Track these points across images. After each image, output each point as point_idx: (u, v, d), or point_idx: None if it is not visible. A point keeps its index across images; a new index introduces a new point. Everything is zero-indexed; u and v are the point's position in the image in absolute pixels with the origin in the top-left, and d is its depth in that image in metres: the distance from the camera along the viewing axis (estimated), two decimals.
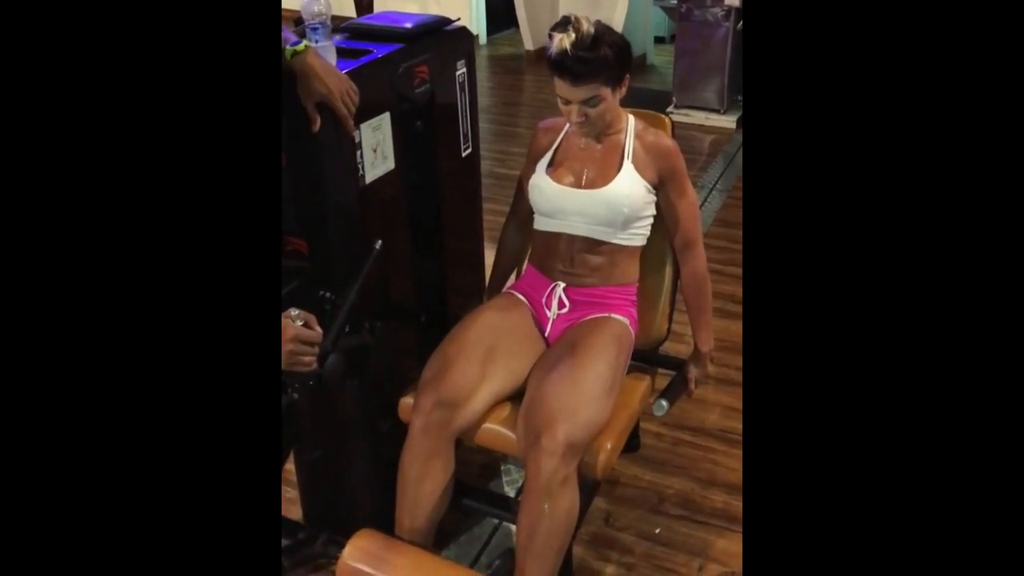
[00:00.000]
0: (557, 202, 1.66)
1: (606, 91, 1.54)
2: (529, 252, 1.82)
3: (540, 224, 1.72)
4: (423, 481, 1.54)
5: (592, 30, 1.50)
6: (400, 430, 1.60)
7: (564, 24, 1.51)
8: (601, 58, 1.49)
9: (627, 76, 1.58)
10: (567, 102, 1.56)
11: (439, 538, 1.89)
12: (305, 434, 1.44)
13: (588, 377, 1.52)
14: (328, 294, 1.45)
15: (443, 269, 1.91)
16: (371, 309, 1.55)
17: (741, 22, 4.43)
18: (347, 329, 1.45)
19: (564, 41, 1.49)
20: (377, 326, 1.54)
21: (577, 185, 1.65)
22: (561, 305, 1.69)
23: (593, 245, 1.67)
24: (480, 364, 1.57)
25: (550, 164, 1.70)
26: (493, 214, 2.11)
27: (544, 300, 1.71)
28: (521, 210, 1.81)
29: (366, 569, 1.46)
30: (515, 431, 1.54)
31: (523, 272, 1.83)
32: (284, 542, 1.67)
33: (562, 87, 1.54)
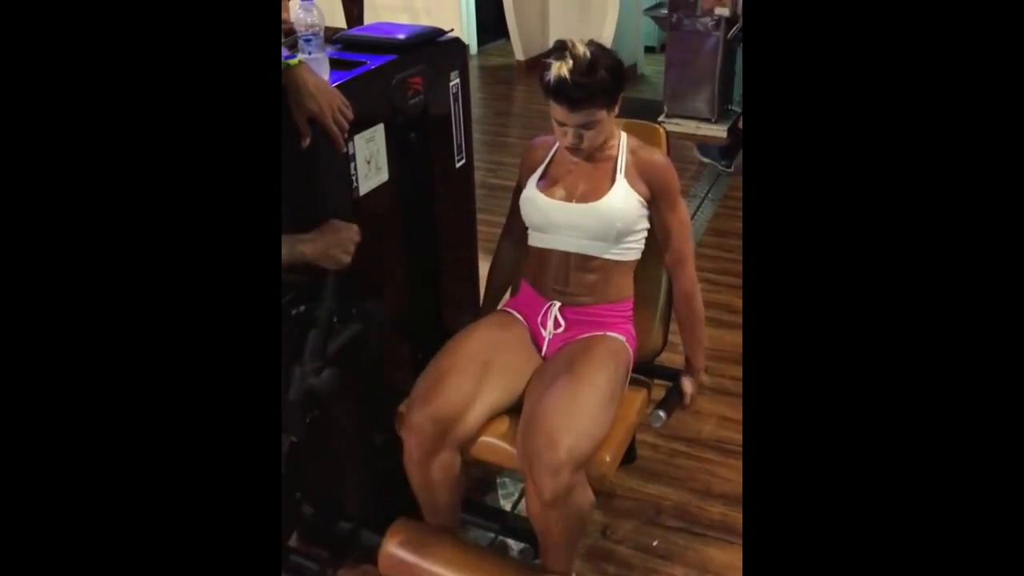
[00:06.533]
0: (549, 216, 1.65)
1: (602, 114, 1.53)
2: (524, 266, 1.80)
3: (533, 240, 1.72)
4: (431, 487, 1.59)
5: (588, 54, 1.48)
6: (394, 443, 1.59)
7: (560, 50, 1.50)
8: (598, 82, 1.48)
9: (621, 96, 1.57)
10: (562, 124, 1.55)
11: None
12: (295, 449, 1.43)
13: (587, 391, 1.51)
14: (302, 307, 1.39)
15: (437, 280, 1.90)
16: (357, 294, 1.49)
17: (731, 31, 4.45)
18: (335, 320, 1.41)
19: (562, 68, 1.47)
20: (366, 309, 1.48)
21: (569, 199, 1.64)
22: (557, 324, 1.68)
23: (586, 262, 1.65)
24: (475, 379, 1.56)
25: (541, 178, 1.70)
26: (486, 224, 2.10)
27: (540, 319, 1.70)
28: (516, 227, 1.79)
29: (409, 557, 1.57)
30: (514, 444, 1.53)
31: (518, 289, 1.82)
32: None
33: (559, 112, 1.53)
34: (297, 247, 1.35)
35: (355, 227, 1.43)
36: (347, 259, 1.40)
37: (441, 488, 1.59)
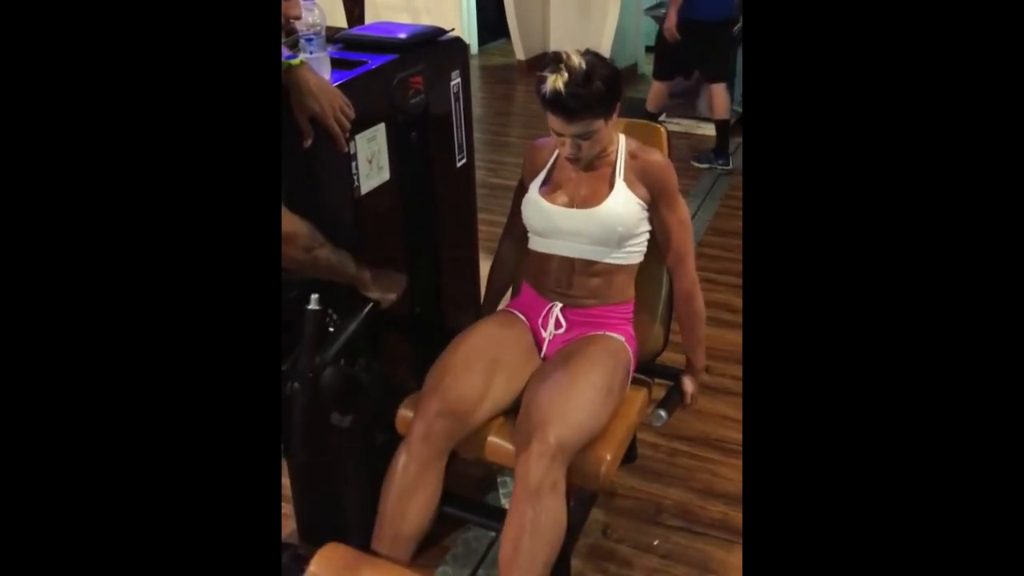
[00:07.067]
0: (550, 221, 1.65)
1: (599, 123, 1.52)
2: (524, 267, 1.80)
3: (535, 244, 1.72)
4: (414, 492, 1.49)
5: (583, 65, 1.47)
6: (394, 442, 1.58)
7: (555, 62, 1.49)
8: (594, 93, 1.47)
9: (618, 104, 1.56)
10: (560, 135, 1.55)
11: (436, 552, 1.88)
12: (296, 432, 1.42)
13: (580, 383, 1.51)
14: (333, 313, 1.44)
15: (438, 279, 1.90)
16: (368, 337, 1.53)
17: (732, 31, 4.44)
18: (342, 362, 1.44)
19: (558, 81, 1.46)
20: (373, 366, 1.52)
21: (570, 204, 1.65)
22: (558, 325, 1.68)
23: (589, 266, 1.66)
24: (483, 375, 1.56)
25: (543, 183, 1.70)
26: (487, 224, 2.10)
27: (541, 320, 1.70)
28: (517, 227, 1.79)
29: None
30: (514, 443, 1.53)
31: (519, 290, 1.82)
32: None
33: (556, 123, 1.52)
34: (345, 260, 1.44)
35: (405, 276, 1.58)
36: (392, 297, 1.53)
37: (422, 493, 1.49)
